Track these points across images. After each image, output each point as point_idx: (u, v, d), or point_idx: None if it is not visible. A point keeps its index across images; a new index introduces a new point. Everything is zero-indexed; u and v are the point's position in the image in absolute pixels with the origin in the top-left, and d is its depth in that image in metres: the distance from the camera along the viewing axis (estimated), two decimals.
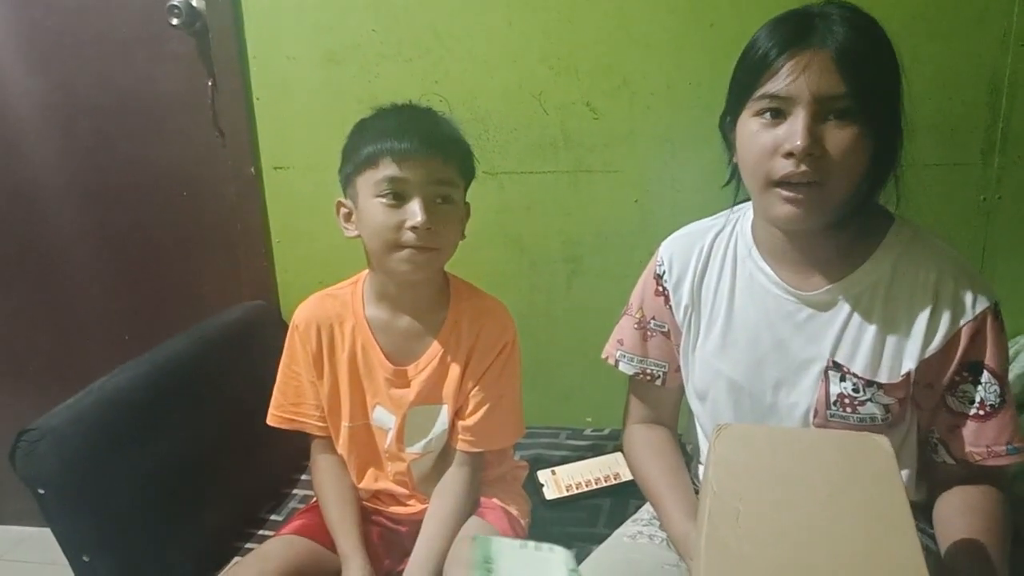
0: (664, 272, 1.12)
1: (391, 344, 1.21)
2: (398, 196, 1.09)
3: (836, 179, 0.88)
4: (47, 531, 1.16)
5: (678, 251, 1.12)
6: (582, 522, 1.42)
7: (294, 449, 1.60)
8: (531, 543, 0.67)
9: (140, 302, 1.93)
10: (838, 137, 0.86)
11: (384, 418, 1.23)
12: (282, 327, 1.83)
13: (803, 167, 0.86)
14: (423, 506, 1.24)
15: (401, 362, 1.22)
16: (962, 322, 0.94)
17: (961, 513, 0.98)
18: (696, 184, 1.61)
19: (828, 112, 0.86)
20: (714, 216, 1.14)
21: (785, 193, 0.89)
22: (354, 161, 1.13)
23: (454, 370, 1.21)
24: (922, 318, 0.95)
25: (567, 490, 1.50)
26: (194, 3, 1.66)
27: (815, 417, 1.00)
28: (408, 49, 1.64)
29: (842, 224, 0.94)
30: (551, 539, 1.32)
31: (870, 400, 0.97)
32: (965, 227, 1.56)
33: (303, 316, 1.25)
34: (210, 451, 1.40)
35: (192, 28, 1.67)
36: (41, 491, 1.13)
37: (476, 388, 1.21)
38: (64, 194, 1.87)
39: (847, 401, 0.98)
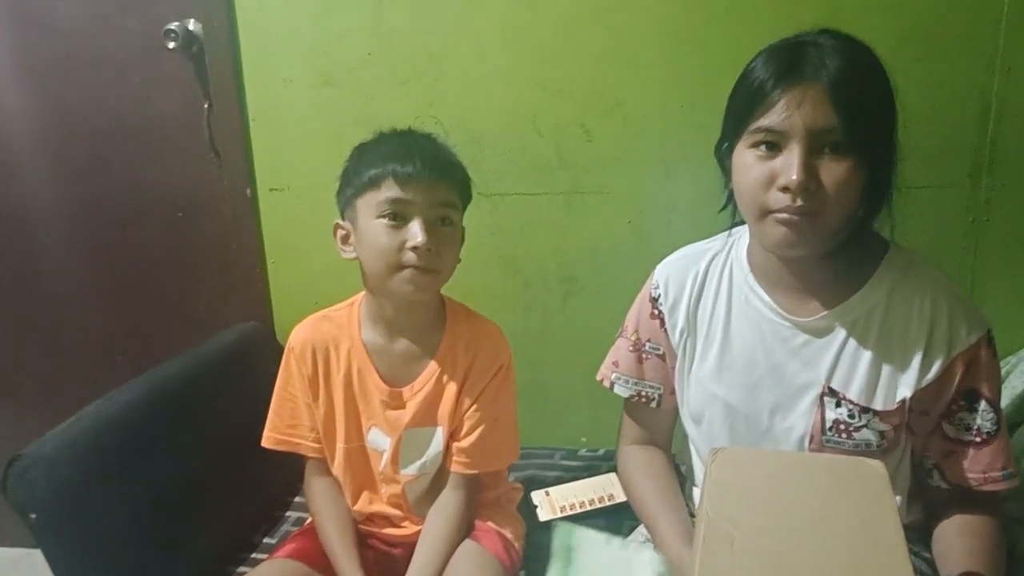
0: (660, 295, 1.13)
1: (387, 366, 1.22)
2: (400, 217, 1.10)
3: (831, 210, 0.88)
4: (39, 552, 1.15)
5: (674, 274, 1.12)
6: None
7: (288, 472, 1.59)
8: (617, 538, 0.66)
9: (135, 323, 1.93)
10: (833, 170, 0.87)
11: (379, 440, 1.23)
12: (277, 349, 1.82)
13: (799, 201, 0.87)
14: (417, 528, 1.23)
15: (397, 384, 1.22)
16: (957, 351, 0.95)
17: (960, 535, 0.99)
18: (690, 206, 1.62)
19: (823, 145, 0.87)
20: (709, 239, 1.15)
21: (780, 216, 0.90)
22: (355, 183, 1.14)
23: (450, 392, 1.21)
24: (917, 347, 0.95)
25: (561, 511, 1.50)
26: (191, 27, 1.67)
27: (811, 442, 1.01)
28: (403, 71, 1.65)
29: (837, 251, 0.95)
30: (545, 561, 1.33)
31: (865, 427, 0.98)
32: (954, 248, 1.57)
33: (299, 338, 1.25)
34: (204, 474, 1.39)
35: (189, 51, 1.68)
36: (33, 516, 1.12)
37: (471, 409, 1.21)
38: (59, 215, 1.87)
39: (842, 427, 0.99)
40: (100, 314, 1.93)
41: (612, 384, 1.19)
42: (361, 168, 1.13)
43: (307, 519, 1.32)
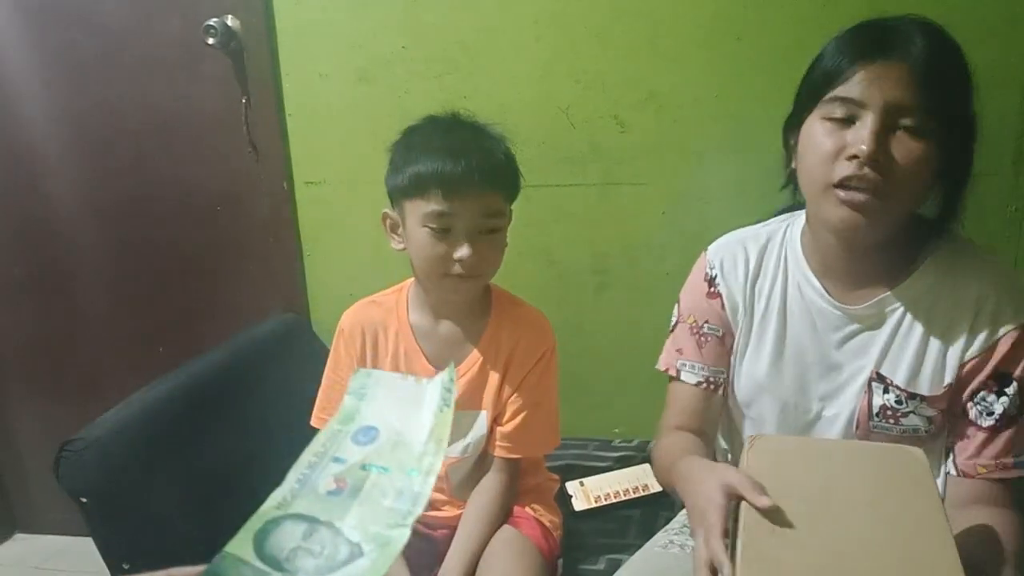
0: (716, 275, 1.11)
1: (433, 350, 1.24)
2: (445, 229, 1.11)
3: (898, 191, 0.87)
4: (85, 541, 1.19)
5: (727, 255, 1.11)
6: (611, 533, 1.42)
7: None
8: (412, 376, 0.67)
9: (176, 315, 1.97)
10: (906, 149, 0.86)
11: None
12: (314, 338, 1.86)
13: (866, 170, 0.85)
14: (458, 512, 1.25)
15: (442, 367, 1.21)
16: (1002, 332, 0.93)
17: (965, 534, 0.91)
18: (724, 196, 1.61)
19: (899, 123, 0.86)
20: (761, 223, 1.14)
21: (843, 195, 0.88)
22: (400, 181, 1.13)
23: (493, 377, 1.23)
24: (963, 329, 0.94)
25: (595, 501, 1.50)
26: (229, 23, 1.70)
27: (857, 428, 1.01)
28: (438, 65, 1.66)
29: (892, 238, 0.94)
30: (581, 550, 1.34)
31: (913, 412, 0.97)
32: (996, 237, 1.54)
33: (348, 321, 1.28)
34: (246, 461, 1.42)
35: (228, 48, 1.71)
36: (84, 500, 1.15)
37: (514, 395, 1.23)
38: (103, 212, 1.92)
39: (889, 413, 0.98)
40: (142, 307, 1.98)
41: (679, 372, 1.13)
42: (407, 162, 1.12)
43: None
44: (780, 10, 1.50)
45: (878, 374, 0.98)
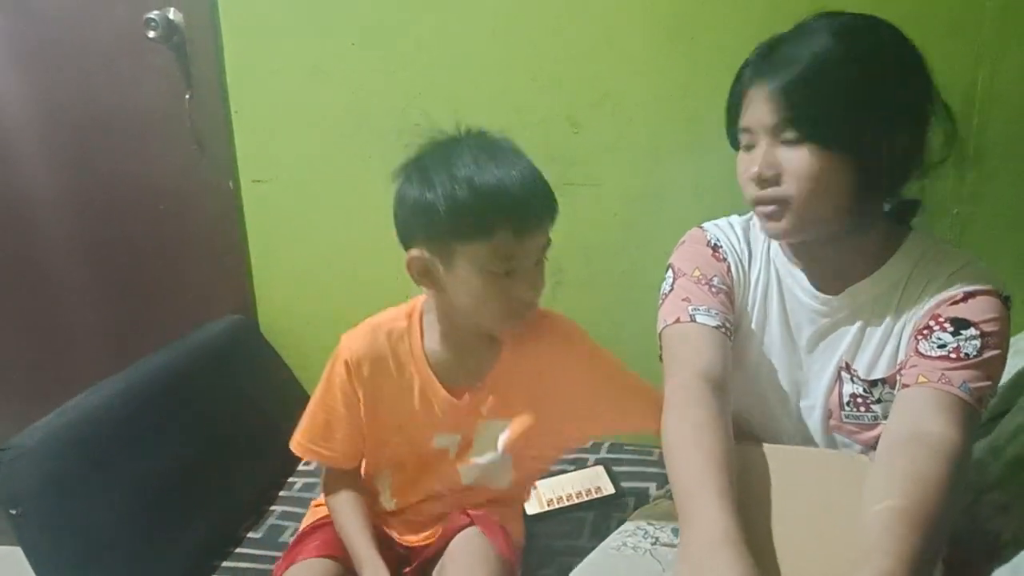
0: (720, 244, 1.10)
1: (452, 377, 1.13)
2: (511, 271, 0.98)
3: (801, 197, 0.93)
4: (15, 550, 1.14)
5: (723, 234, 1.12)
6: (565, 536, 1.41)
7: (274, 466, 1.58)
8: None
9: (118, 317, 1.91)
10: (791, 160, 0.93)
11: (443, 440, 1.17)
12: (262, 341, 1.82)
13: (763, 191, 0.95)
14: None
15: (462, 389, 1.14)
16: (963, 288, 0.93)
17: (887, 452, 0.86)
18: (680, 197, 1.62)
19: (780, 139, 0.94)
20: (750, 214, 1.14)
21: (760, 209, 0.98)
22: (448, 220, 0.96)
23: (519, 388, 1.14)
24: (920, 309, 0.95)
25: (548, 504, 1.50)
26: (172, 16, 1.65)
27: (831, 419, 1.03)
28: (389, 62, 1.64)
29: (851, 235, 0.98)
30: (533, 554, 1.33)
31: (880, 400, 1.00)
32: None
33: (353, 350, 1.13)
34: (189, 468, 1.38)
35: (170, 42, 1.66)
36: (13, 512, 1.11)
37: (582, 392, 1.13)
38: (40, 207, 1.85)
39: (860, 401, 1.01)
40: (82, 308, 1.91)
41: (692, 317, 1.02)
42: (458, 200, 0.95)
43: (294, 514, 1.28)
44: (734, 9, 1.51)
45: (846, 363, 1.01)
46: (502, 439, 1.16)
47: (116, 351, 1.84)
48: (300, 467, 1.64)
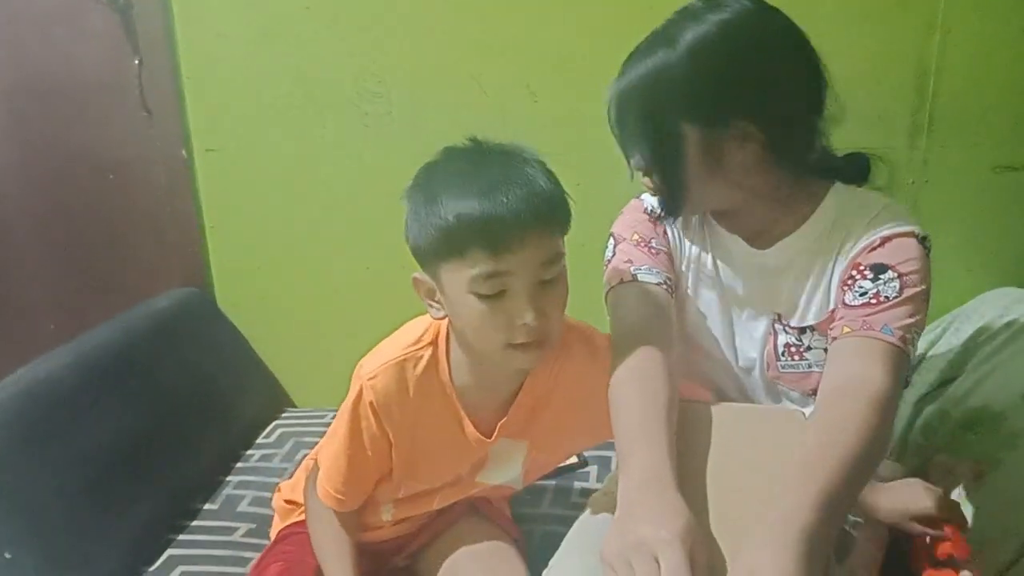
0: (655, 210, 1.10)
1: (478, 411, 1.06)
2: (498, 290, 0.88)
3: (671, 187, 1.00)
4: None
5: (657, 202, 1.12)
6: (526, 503, 1.41)
7: (229, 438, 1.56)
8: None
9: (66, 291, 1.86)
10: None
11: (463, 467, 1.12)
12: (218, 314, 1.79)
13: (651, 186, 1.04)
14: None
15: (487, 422, 1.06)
16: (879, 233, 0.95)
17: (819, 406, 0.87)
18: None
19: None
20: None
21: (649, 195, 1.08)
22: (427, 239, 0.89)
23: (542, 409, 1.07)
24: (845, 256, 0.97)
25: None
26: None
27: (769, 369, 1.05)
28: (343, 27, 1.60)
29: (773, 194, 0.99)
30: None
31: (810, 346, 1.01)
32: None
33: (379, 391, 1.02)
34: (139, 442, 1.35)
35: (116, 4, 1.60)
36: None
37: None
38: None
39: (793, 350, 1.03)
40: (28, 282, 1.86)
41: (635, 276, 1.03)
42: (433, 216, 0.88)
43: (251, 483, 1.24)
44: None
45: (778, 315, 1.03)
46: (521, 461, 1.11)
47: (64, 328, 1.80)
48: (259, 440, 1.63)
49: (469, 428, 1.04)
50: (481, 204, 0.84)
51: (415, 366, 1.02)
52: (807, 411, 0.98)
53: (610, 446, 1.54)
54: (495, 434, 1.05)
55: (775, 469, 0.79)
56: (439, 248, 0.88)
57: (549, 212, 0.88)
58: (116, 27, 1.64)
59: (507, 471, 1.12)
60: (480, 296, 0.87)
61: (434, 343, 1.03)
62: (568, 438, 1.14)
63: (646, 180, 1.03)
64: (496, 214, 0.84)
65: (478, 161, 0.91)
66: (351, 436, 1.04)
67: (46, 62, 1.69)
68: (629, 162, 1.03)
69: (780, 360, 1.04)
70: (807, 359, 1.02)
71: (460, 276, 0.88)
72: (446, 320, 1.00)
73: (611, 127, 1.02)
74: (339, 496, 1.07)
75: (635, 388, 0.91)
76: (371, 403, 1.02)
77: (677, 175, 0.98)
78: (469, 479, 1.12)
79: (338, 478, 1.07)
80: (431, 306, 0.97)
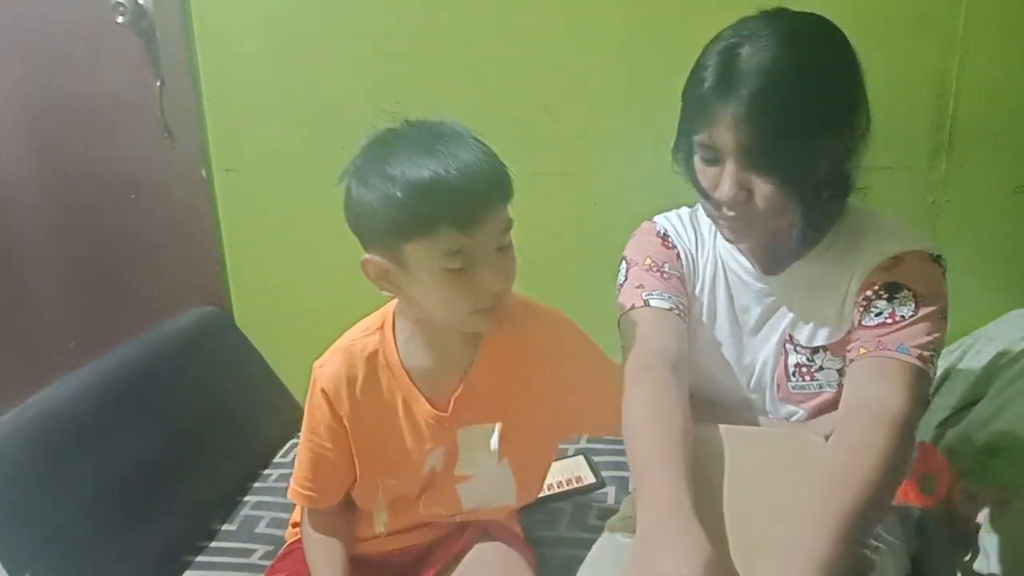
0: (669, 234, 1.10)
1: (432, 386, 1.08)
2: (466, 264, 0.92)
3: (768, 216, 0.93)
4: None
5: (671, 226, 1.12)
6: (542, 526, 1.41)
7: (247, 458, 1.57)
8: None
9: (88, 309, 1.88)
10: (762, 187, 0.91)
11: (433, 457, 1.11)
12: (236, 333, 1.80)
13: (731, 212, 0.94)
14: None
15: (444, 398, 1.08)
16: (892, 253, 0.95)
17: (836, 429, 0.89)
18: (656, 185, 1.60)
19: (752, 162, 0.89)
20: (695, 205, 1.15)
21: (724, 223, 0.98)
22: (388, 220, 0.91)
23: (502, 386, 1.08)
24: (859, 276, 0.97)
25: None
26: (140, 1, 1.61)
27: (779, 391, 1.04)
28: (361, 48, 1.61)
29: (792, 224, 0.98)
30: None
31: (822, 367, 1.01)
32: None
33: (328, 377, 1.07)
34: (159, 462, 1.36)
35: (139, 27, 1.63)
36: None
37: (583, 384, 1.09)
38: (6, 198, 1.81)
39: (804, 370, 1.02)
40: (50, 299, 1.88)
41: (646, 301, 1.04)
42: (395, 198, 0.89)
43: (269, 504, 1.25)
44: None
45: (789, 336, 1.02)
46: (494, 441, 1.10)
47: (85, 345, 1.83)
48: (276, 459, 1.63)
49: (422, 405, 1.06)
50: (451, 186, 0.87)
51: (363, 350, 1.06)
52: (818, 427, 0.98)
53: (627, 467, 1.56)
54: (450, 407, 1.07)
55: (790, 495, 0.79)
56: (401, 228, 0.90)
57: (506, 185, 0.94)
58: (139, 50, 1.66)
59: (483, 461, 1.10)
60: (449, 271, 0.91)
61: (381, 329, 1.07)
62: (541, 422, 1.12)
63: (727, 212, 0.94)
64: (465, 192, 0.88)
65: (429, 141, 0.92)
66: (309, 428, 1.09)
67: (70, 83, 1.72)
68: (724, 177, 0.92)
69: (791, 380, 1.03)
70: (818, 379, 1.02)
71: (429, 253, 0.91)
72: (393, 304, 1.06)
73: (739, 138, 0.89)
74: (307, 492, 1.10)
75: (650, 416, 0.91)
76: (322, 389, 1.06)
77: (816, 191, 0.92)
78: (446, 475, 1.11)
79: (302, 473, 1.10)
80: (383, 287, 0.99)
